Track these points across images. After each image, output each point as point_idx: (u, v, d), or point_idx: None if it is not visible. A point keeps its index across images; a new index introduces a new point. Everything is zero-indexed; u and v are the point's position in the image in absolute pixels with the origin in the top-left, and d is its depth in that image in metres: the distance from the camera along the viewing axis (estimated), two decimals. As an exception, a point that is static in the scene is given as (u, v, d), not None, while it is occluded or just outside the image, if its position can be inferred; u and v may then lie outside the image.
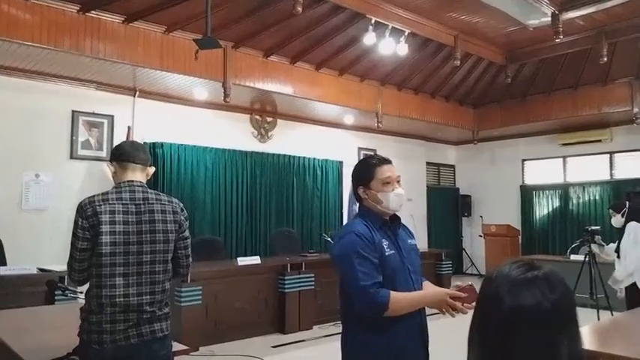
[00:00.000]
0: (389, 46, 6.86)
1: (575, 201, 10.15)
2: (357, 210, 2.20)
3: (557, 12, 6.36)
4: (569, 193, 10.25)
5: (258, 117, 8.32)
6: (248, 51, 6.78)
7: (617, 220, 4.38)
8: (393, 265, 2.01)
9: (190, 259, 2.37)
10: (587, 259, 4.58)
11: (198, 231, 6.99)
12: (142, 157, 2.30)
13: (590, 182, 9.94)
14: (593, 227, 4.61)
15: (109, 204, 2.13)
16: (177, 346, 2.41)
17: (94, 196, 2.17)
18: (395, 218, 2.16)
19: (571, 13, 6.51)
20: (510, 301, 0.93)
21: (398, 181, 2.11)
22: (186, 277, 2.14)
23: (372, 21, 6.55)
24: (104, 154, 6.67)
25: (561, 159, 10.42)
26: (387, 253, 2.01)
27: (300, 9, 5.58)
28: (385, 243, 2.04)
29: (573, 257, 7.87)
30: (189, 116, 7.53)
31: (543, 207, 10.63)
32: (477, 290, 1.94)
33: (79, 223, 2.11)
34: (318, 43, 7.00)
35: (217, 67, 6.47)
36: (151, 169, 2.37)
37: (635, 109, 8.32)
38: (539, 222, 10.67)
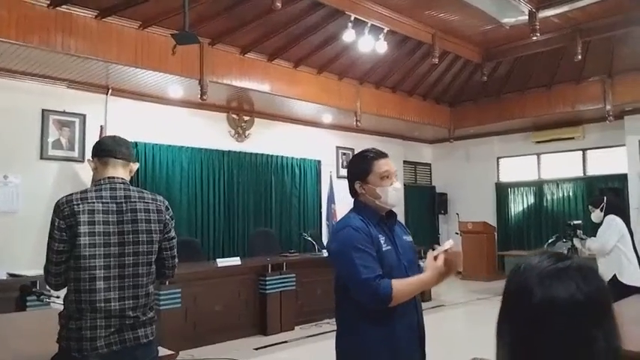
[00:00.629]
0: (368, 44, 6.83)
1: (549, 197, 10.32)
2: (353, 205, 2.13)
3: (534, 10, 6.43)
4: (543, 189, 10.41)
5: (235, 116, 8.19)
6: (225, 48, 6.65)
7: (596, 215, 4.42)
8: (390, 262, 1.95)
9: (176, 260, 2.26)
10: (569, 253, 4.60)
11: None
12: (124, 152, 2.18)
13: (563, 179, 10.11)
14: (575, 221, 4.64)
15: (88, 203, 2.01)
16: (161, 351, 2.30)
17: (71, 194, 2.05)
18: (391, 214, 2.10)
19: (547, 11, 6.58)
20: (542, 292, 0.88)
21: (396, 175, 2.06)
22: (171, 278, 2.05)
23: (352, 18, 6.50)
24: (76, 154, 6.45)
25: (535, 156, 10.57)
26: (384, 249, 1.96)
27: (279, 4, 5.49)
28: (382, 238, 1.98)
29: (550, 253, 8.00)
30: (165, 115, 7.36)
31: (518, 204, 10.78)
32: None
33: (56, 224, 1.98)
34: (296, 40, 6.92)
35: (194, 64, 6.33)
36: (135, 166, 2.25)
37: (607, 107, 8.48)
38: (514, 219, 10.81)
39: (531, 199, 10.57)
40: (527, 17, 6.79)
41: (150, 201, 2.13)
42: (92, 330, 1.97)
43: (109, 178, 2.11)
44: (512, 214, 10.84)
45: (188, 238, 6.85)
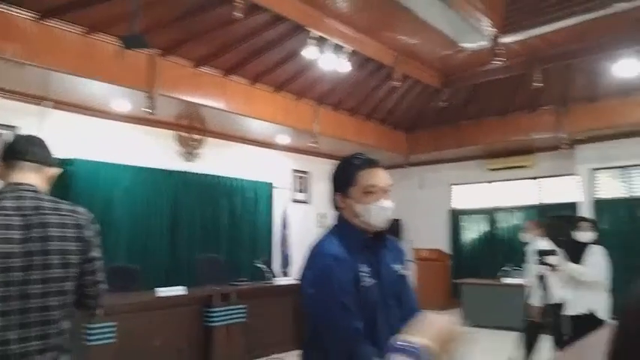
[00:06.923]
0: (330, 63, 6.55)
1: (502, 225, 10.28)
2: (335, 219, 1.74)
3: (498, 34, 6.37)
4: (496, 217, 10.37)
5: (184, 134, 7.70)
6: (177, 60, 6.21)
7: (587, 236, 4.14)
8: (372, 299, 1.56)
9: (102, 286, 1.79)
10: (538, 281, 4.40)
11: (112, 258, 6.20)
12: (36, 153, 1.73)
13: (516, 207, 10.10)
14: (544, 248, 4.43)
15: None
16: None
17: (-39, 206, 1.58)
18: (380, 235, 1.70)
19: (508, 37, 6.54)
20: None
21: (385, 191, 1.67)
22: (97, 309, 1.61)
23: (314, 35, 6.21)
24: (3, 170, 5.78)
25: (488, 184, 10.56)
26: (366, 284, 1.56)
27: (240, 14, 5.14)
28: (365, 270, 1.59)
29: (505, 281, 7.88)
30: (107, 130, 6.82)
31: (472, 231, 10.68)
32: None
33: None
34: (254, 55, 6.55)
35: (142, 75, 5.85)
36: (53, 171, 1.79)
37: (561, 135, 8.54)
38: (468, 246, 10.69)
39: (485, 227, 10.50)
40: (487, 42, 6.74)
41: (67, 213, 1.68)
42: (-17, 385, 1.49)
43: (14, 184, 1.66)
44: (466, 241, 10.73)
45: (126, 265, 6.24)
